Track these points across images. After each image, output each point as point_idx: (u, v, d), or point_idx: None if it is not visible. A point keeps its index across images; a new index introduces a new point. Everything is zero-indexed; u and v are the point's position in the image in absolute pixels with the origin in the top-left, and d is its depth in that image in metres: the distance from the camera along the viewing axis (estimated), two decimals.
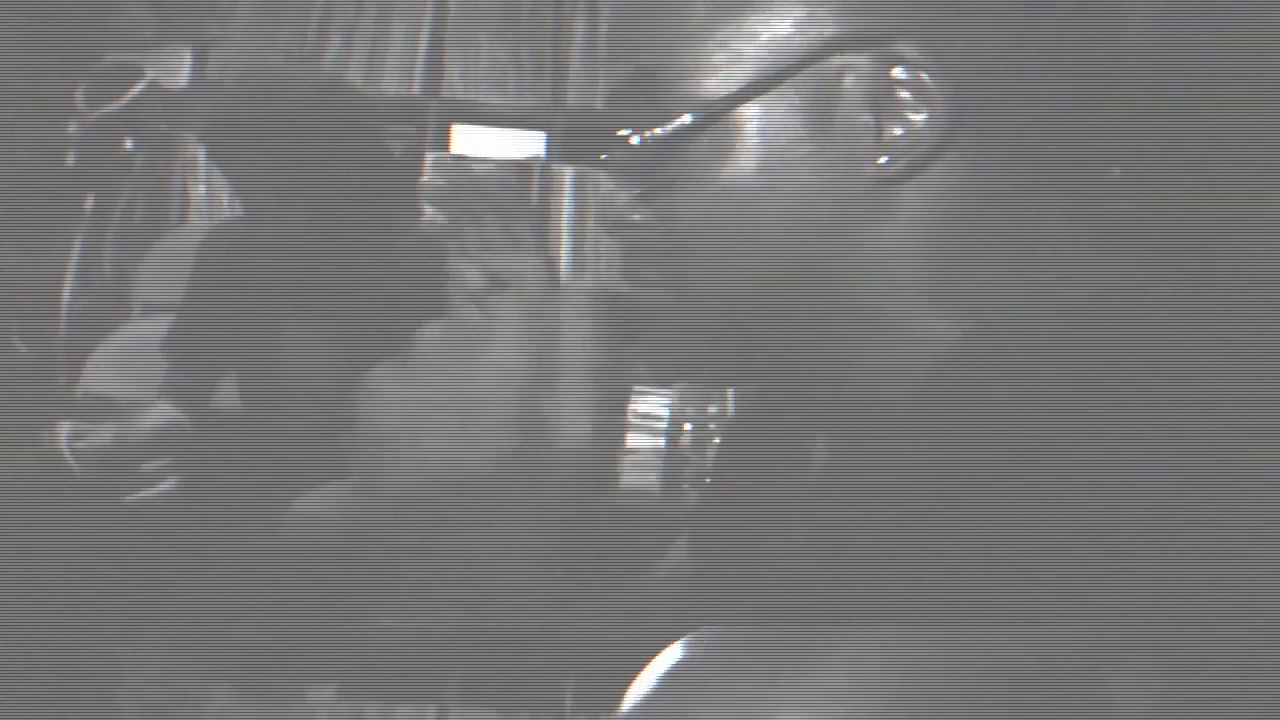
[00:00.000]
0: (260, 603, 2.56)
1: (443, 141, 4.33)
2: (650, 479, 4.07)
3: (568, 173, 4.29)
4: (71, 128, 3.60)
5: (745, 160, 0.85)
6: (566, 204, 4.31)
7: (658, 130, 0.85)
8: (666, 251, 0.89)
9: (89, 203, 3.64)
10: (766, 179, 0.85)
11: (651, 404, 4.12)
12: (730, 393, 4.15)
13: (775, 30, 0.84)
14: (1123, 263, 0.81)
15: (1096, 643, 0.65)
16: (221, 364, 2.89)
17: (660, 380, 1.08)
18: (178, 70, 3.78)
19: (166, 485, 2.55)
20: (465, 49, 4.34)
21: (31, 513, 2.55)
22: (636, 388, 4.13)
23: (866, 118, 0.83)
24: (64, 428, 2.57)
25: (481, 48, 4.35)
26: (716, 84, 0.85)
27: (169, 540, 2.55)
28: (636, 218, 0.89)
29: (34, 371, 3.48)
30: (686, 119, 0.84)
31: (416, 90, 4.30)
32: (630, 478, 4.05)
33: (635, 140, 0.85)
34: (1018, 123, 0.83)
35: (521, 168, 4.29)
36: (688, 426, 4.11)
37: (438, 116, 4.31)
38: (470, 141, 4.35)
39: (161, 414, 2.66)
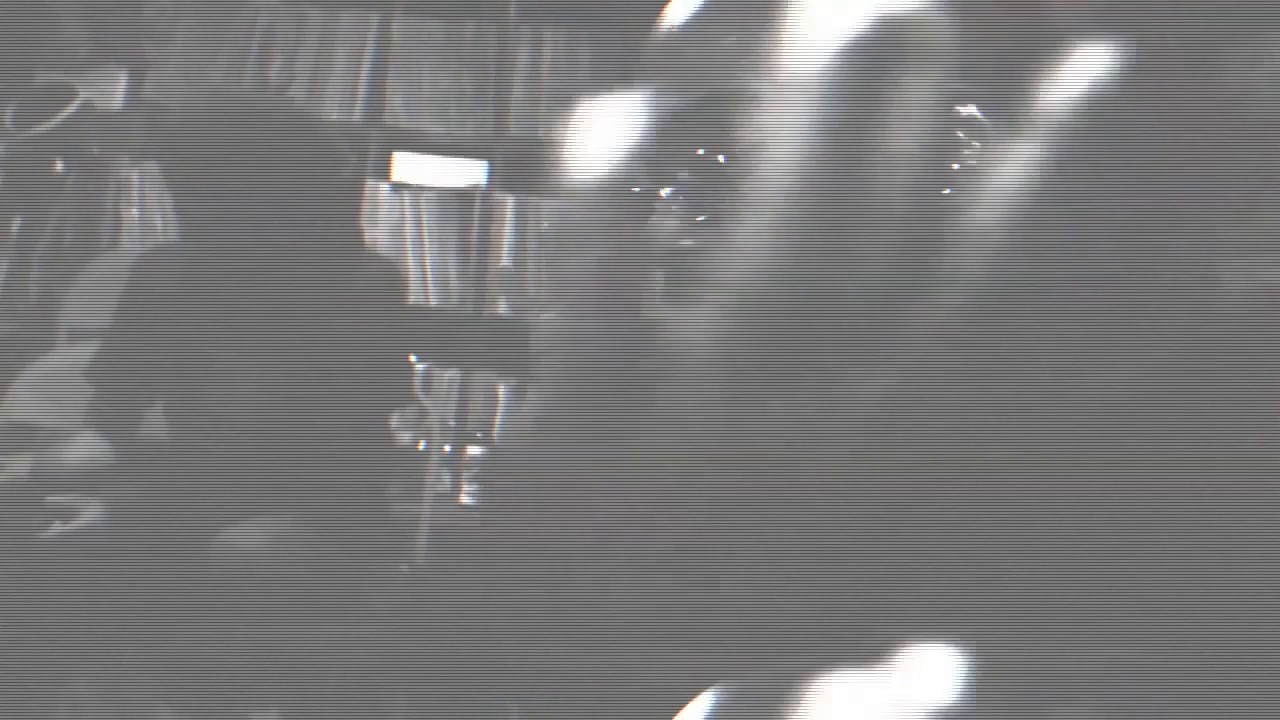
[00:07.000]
0: (194, 627, 2.51)
1: (384, 169, 4.30)
2: None
3: (509, 201, 4.27)
4: None
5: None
6: (507, 233, 4.28)
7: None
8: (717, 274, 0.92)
9: (15, 225, 3.58)
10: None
11: None
12: None
13: None
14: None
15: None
16: (149, 393, 2.82)
17: None
18: (112, 91, 3.74)
19: (86, 519, 2.49)
20: (408, 76, 4.31)
21: None
22: None
23: None
24: None
25: (424, 75, 4.32)
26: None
27: (96, 566, 2.49)
28: (688, 244, 0.91)
29: None
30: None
31: (358, 117, 4.28)
32: None
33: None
34: None
35: (463, 196, 4.27)
36: None
37: (380, 144, 4.28)
38: (412, 169, 4.32)
39: (84, 445, 2.60)
